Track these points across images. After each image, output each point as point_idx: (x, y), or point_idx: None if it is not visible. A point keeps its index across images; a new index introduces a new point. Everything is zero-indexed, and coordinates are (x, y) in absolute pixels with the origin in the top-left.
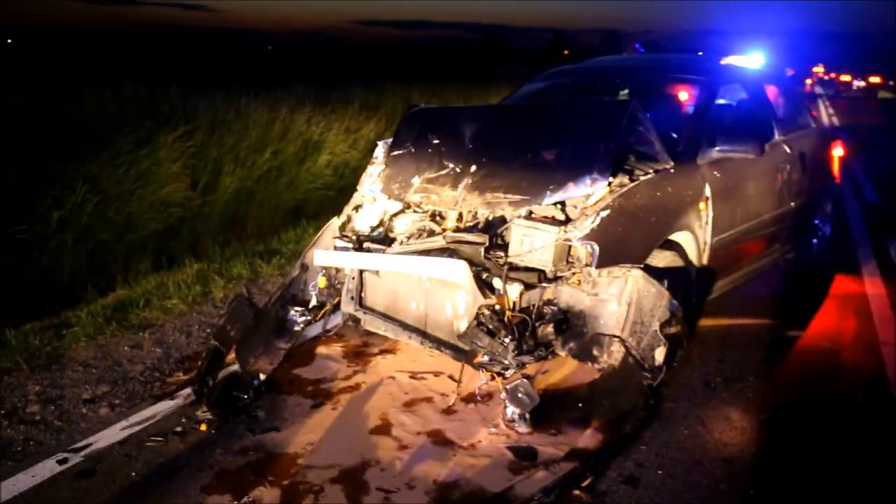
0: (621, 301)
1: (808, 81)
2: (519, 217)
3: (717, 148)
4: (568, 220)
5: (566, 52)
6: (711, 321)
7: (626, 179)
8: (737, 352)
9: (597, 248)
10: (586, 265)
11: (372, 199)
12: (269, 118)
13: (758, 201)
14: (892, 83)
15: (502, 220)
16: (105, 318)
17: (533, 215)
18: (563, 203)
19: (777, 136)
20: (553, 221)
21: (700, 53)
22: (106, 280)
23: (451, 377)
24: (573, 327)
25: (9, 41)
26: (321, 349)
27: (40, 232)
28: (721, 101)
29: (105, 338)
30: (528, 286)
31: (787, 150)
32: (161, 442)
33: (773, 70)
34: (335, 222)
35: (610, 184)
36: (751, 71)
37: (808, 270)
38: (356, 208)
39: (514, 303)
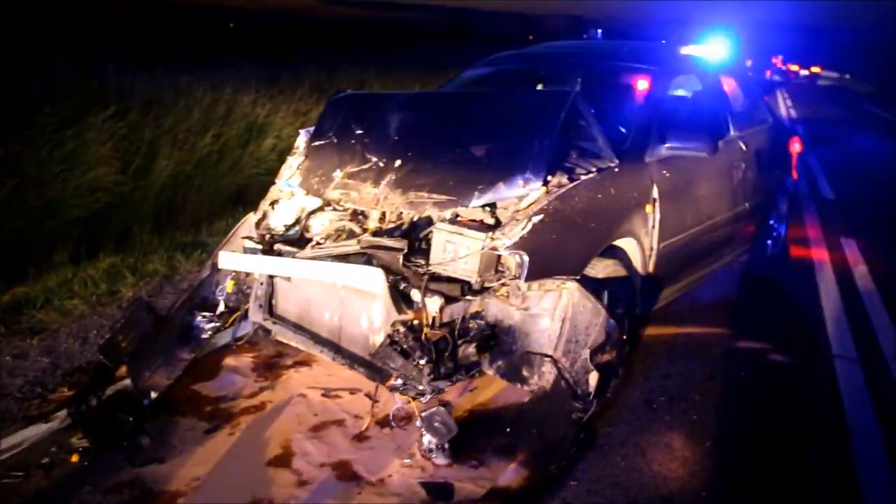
0: (554, 317)
1: (768, 73)
2: (442, 220)
3: (666, 145)
4: (497, 225)
5: (531, 36)
6: (657, 330)
7: (564, 179)
8: (683, 365)
9: (526, 258)
10: (514, 277)
11: (289, 194)
12: (212, 99)
13: (710, 202)
14: (830, 72)
15: (428, 223)
16: None
17: (459, 218)
18: (493, 205)
19: (732, 132)
20: (481, 226)
21: (663, 42)
22: (26, 269)
23: (368, 395)
24: (502, 344)
25: None
26: (229, 360)
27: None
28: (674, 94)
29: None
30: (450, 299)
31: (743, 146)
32: (20, 478)
33: (730, 61)
34: (251, 218)
35: (546, 184)
36: (707, 62)
37: (762, 274)
38: (273, 204)
39: (434, 318)
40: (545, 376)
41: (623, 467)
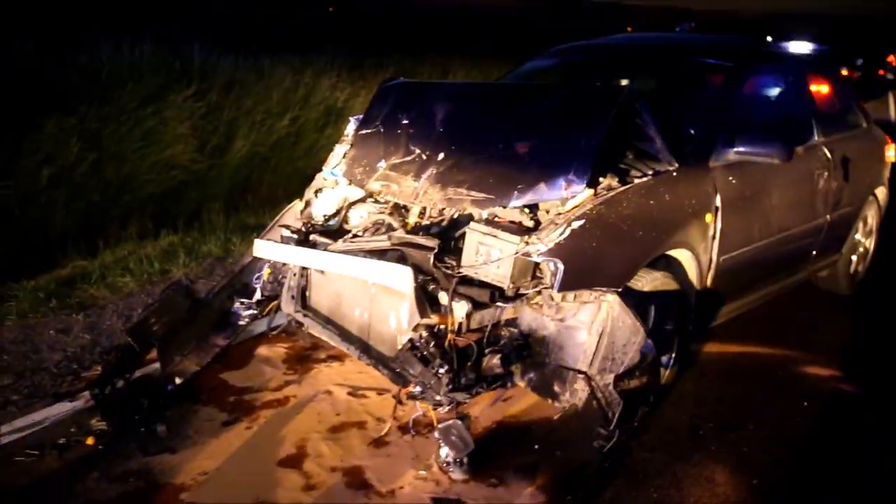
0: (592, 330)
1: (880, 72)
2: (478, 220)
3: (735, 149)
4: (536, 228)
5: (630, 28)
6: (717, 347)
7: (615, 182)
8: (740, 389)
9: (561, 266)
10: (547, 287)
11: (333, 183)
12: (293, 81)
13: (783, 213)
14: None
15: (467, 221)
16: (48, 292)
17: (497, 219)
18: (535, 206)
19: (816, 138)
20: (518, 228)
21: (768, 38)
22: (97, 243)
23: (394, 397)
24: (535, 355)
25: None
26: (262, 350)
27: (29, 188)
28: (752, 93)
29: (37, 317)
30: (479, 305)
31: (828, 154)
32: (34, 457)
33: (822, 59)
34: (297, 206)
35: (595, 186)
36: (794, 60)
37: (845, 294)
38: (317, 192)
39: (461, 323)
40: (577, 394)
41: (655, 500)
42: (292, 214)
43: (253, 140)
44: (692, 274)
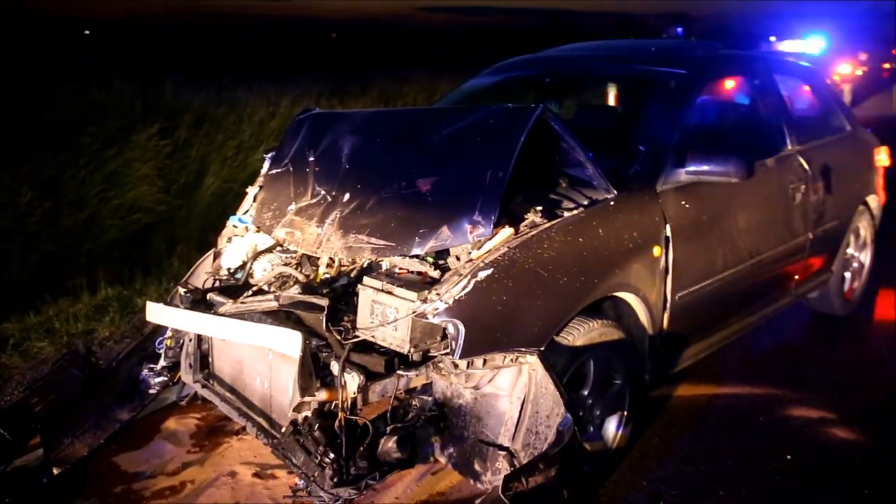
0: (513, 398)
1: (886, 65)
2: (373, 275)
3: (685, 168)
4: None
5: (632, 36)
6: (689, 390)
7: (538, 218)
8: (713, 442)
9: (462, 328)
10: (446, 353)
11: (244, 231)
12: (268, 113)
13: (754, 236)
14: None
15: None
16: None
17: (398, 270)
18: (446, 252)
19: (790, 147)
20: (421, 282)
21: (771, 39)
22: (43, 297)
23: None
24: (452, 427)
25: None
26: (170, 423)
27: None
28: (708, 103)
29: None
30: (373, 376)
31: (804, 163)
32: None
33: (793, 57)
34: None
35: (516, 226)
36: (762, 61)
37: (837, 318)
38: (230, 239)
39: (354, 398)
40: (500, 473)
41: None
42: (208, 265)
43: (224, 175)
44: (642, 317)
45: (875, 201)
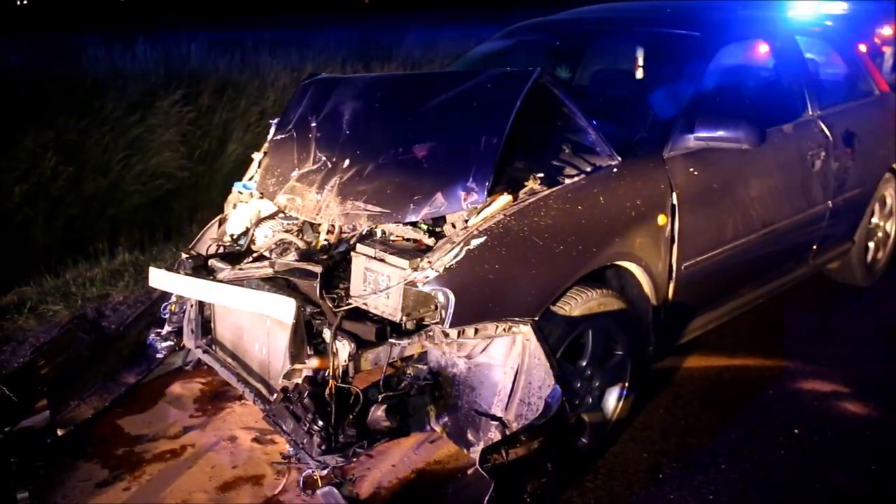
0: (506, 368)
1: None
2: (367, 241)
3: (695, 134)
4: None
5: None
6: (698, 361)
7: (537, 185)
8: (717, 415)
9: (452, 297)
10: (437, 322)
11: (248, 197)
12: (292, 78)
13: (768, 205)
14: None
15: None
16: None
17: (393, 238)
18: (442, 219)
19: (810, 112)
20: (414, 249)
21: None
22: (66, 261)
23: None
24: (447, 397)
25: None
26: (175, 387)
27: (2, 206)
28: (725, 66)
29: None
30: (364, 344)
31: (825, 128)
32: None
33: (818, 21)
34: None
35: (515, 193)
36: (782, 23)
37: (859, 286)
38: (235, 206)
39: (346, 366)
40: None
41: None
42: (211, 233)
43: (248, 142)
44: (646, 288)
45: None
